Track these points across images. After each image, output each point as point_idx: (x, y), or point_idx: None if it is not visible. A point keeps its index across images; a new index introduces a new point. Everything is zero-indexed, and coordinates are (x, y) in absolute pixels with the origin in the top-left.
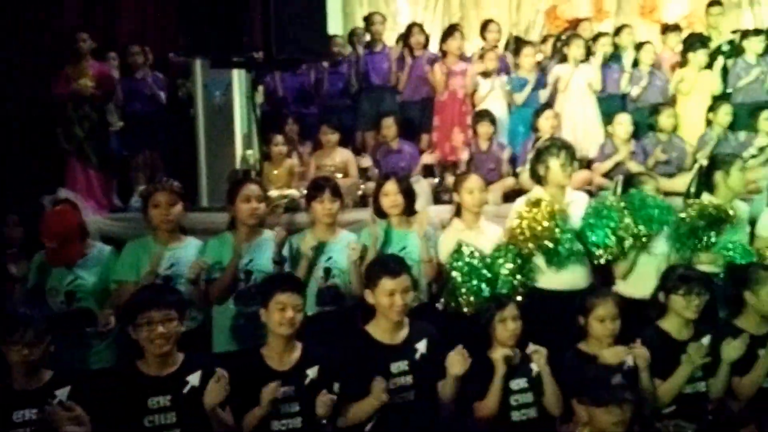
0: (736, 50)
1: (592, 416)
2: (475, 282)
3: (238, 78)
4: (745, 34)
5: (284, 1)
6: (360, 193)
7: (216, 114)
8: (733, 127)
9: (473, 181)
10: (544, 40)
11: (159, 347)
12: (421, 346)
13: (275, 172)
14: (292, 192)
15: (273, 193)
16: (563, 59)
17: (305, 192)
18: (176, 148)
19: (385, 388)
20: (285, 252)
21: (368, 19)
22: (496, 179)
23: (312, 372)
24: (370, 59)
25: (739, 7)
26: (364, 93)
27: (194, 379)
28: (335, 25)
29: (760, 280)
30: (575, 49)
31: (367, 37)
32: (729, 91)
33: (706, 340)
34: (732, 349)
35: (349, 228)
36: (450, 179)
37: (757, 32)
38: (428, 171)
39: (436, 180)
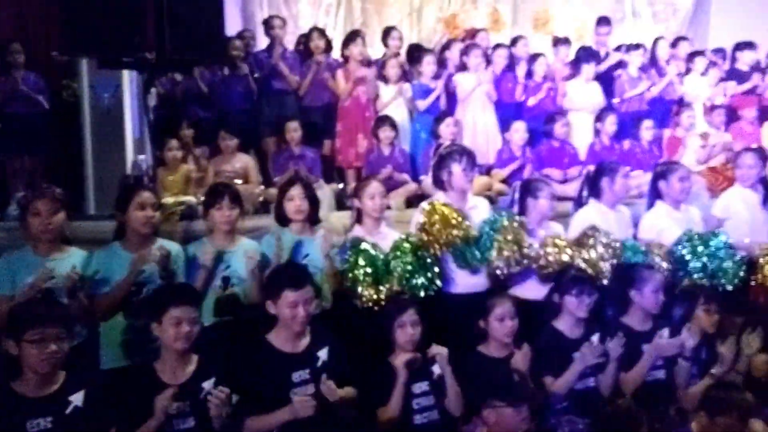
0: (620, 63)
1: (500, 417)
2: (372, 274)
3: (129, 79)
4: (629, 48)
5: (179, 1)
6: (261, 199)
7: (104, 117)
8: (618, 136)
9: (374, 186)
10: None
11: (48, 367)
12: (323, 354)
13: (170, 178)
14: (189, 198)
15: (168, 200)
16: (463, 68)
17: (203, 199)
18: (60, 153)
19: (306, 402)
20: (180, 263)
21: (267, 23)
22: (398, 185)
23: (208, 384)
24: (271, 63)
25: (622, 20)
26: (265, 97)
27: (77, 398)
28: (234, 27)
29: (643, 279)
30: (474, 59)
31: (266, 41)
32: (615, 101)
33: (595, 338)
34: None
35: (249, 235)
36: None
37: (637, 46)
38: (330, 177)
39: (339, 186)
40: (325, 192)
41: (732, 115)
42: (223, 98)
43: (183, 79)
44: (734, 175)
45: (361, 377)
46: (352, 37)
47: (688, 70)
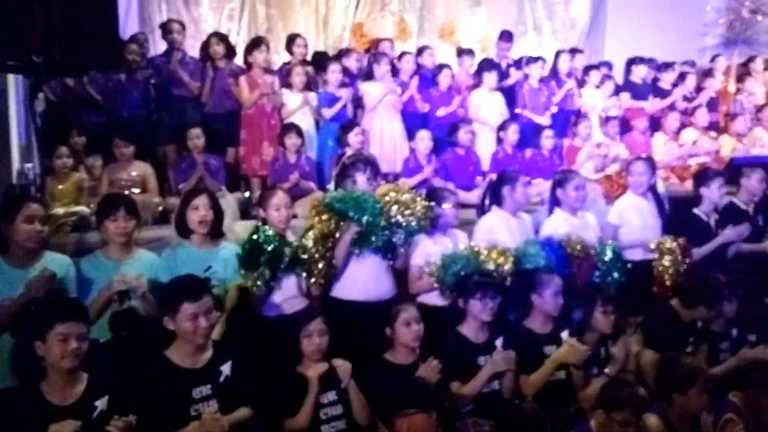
0: (522, 74)
1: (412, 424)
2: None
3: (15, 83)
4: (529, 60)
5: (69, 1)
6: (160, 209)
7: None
8: (520, 144)
9: (279, 197)
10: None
11: None
12: (226, 368)
13: (60, 187)
14: (81, 209)
15: (58, 210)
16: (369, 76)
17: (96, 209)
18: None
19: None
20: (71, 278)
21: (165, 27)
22: (305, 193)
23: (101, 403)
24: (169, 69)
25: (524, 34)
26: (164, 104)
27: None
28: (132, 31)
29: (543, 283)
30: (382, 67)
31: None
32: (517, 111)
33: (499, 341)
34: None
35: (148, 246)
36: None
37: (537, 59)
38: (234, 185)
39: (245, 195)
40: (229, 201)
41: (625, 125)
42: (118, 104)
43: (75, 84)
44: (627, 182)
45: (267, 388)
46: (256, 43)
47: (583, 82)
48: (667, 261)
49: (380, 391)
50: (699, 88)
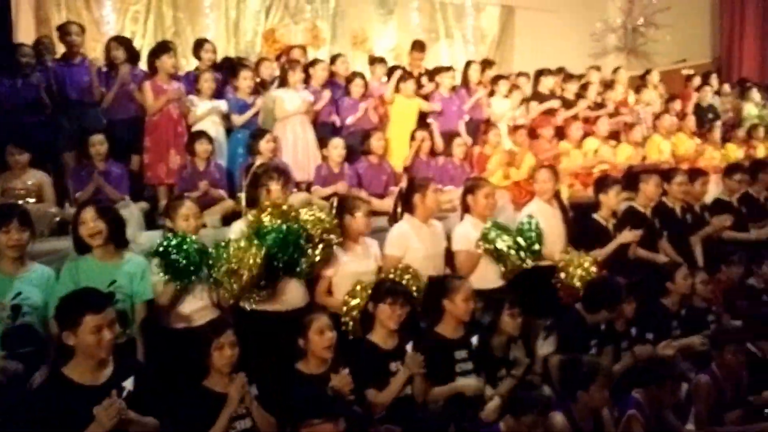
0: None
1: None
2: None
3: None
4: (440, 69)
5: None
6: (57, 219)
7: None
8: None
9: (187, 207)
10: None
11: None
12: (128, 384)
13: None
14: None
15: None
16: (282, 83)
17: None
18: None
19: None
20: None
21: (63, 29)
22: (214, 201)
23: None
24: (68, 72)
25: (437, 41)
26: (62, 109)
27: None
28: (27, 32)
29: (454, 289)
30: (295, 75)
31: (62, 48)
32: (429, 121)
33: (409, 346)
34: None
35: (44, 259)
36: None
37: (448, 68)
38: (138, 194)
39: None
40: (132, 211)
41: (533, 133)
42: (11, 109)
43: None
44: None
45: (173, 403)
46: (162, 48)
47: (492, 92)
48: (576, 274)
49: (291, 401)
50: (601, 98)
